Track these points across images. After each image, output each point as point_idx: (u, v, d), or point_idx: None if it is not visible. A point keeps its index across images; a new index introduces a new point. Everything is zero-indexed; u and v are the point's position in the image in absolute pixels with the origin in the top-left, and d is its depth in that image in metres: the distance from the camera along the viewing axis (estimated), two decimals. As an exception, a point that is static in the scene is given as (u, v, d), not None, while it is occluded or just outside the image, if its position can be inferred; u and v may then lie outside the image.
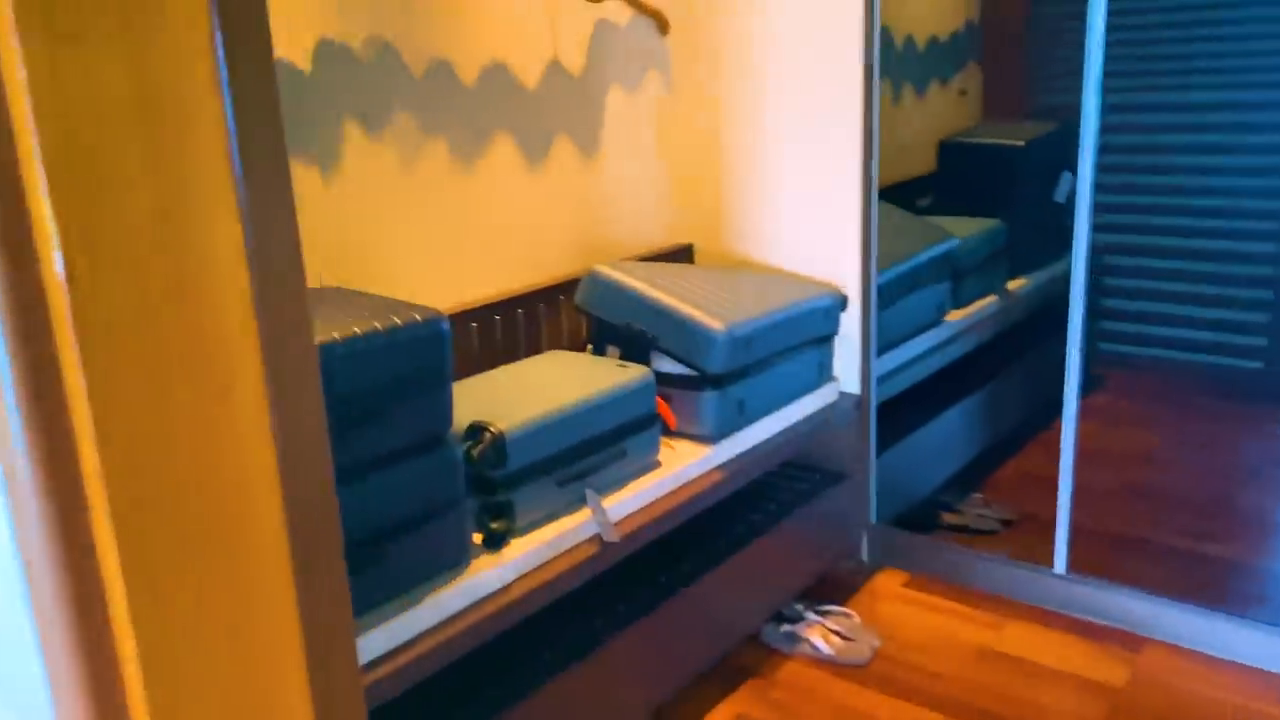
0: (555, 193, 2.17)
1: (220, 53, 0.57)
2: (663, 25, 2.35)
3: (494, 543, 1.57)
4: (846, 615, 2.17)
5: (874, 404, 2.33)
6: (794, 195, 2.30)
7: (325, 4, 1.71)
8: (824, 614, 2.16)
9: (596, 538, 1.67)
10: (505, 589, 1.54)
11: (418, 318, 1.40)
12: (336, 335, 1.32)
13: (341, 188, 1.76)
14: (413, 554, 1.44)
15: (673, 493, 1.84)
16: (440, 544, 1.48)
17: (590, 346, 2.10)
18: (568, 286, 2.15)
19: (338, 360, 1.31)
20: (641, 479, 1.81)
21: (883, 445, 2.41)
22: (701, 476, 1.90)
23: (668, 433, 1.95)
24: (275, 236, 0.61)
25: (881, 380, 2.38)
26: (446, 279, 1.97)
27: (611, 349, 2.05)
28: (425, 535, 1.45)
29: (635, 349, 1.99)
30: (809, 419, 2.17)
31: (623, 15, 2.26)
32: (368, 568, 1.38)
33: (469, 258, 2.00)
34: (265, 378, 0.60)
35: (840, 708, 1.91)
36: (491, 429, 1.57)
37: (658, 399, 1.94)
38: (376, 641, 1.37)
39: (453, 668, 1.53)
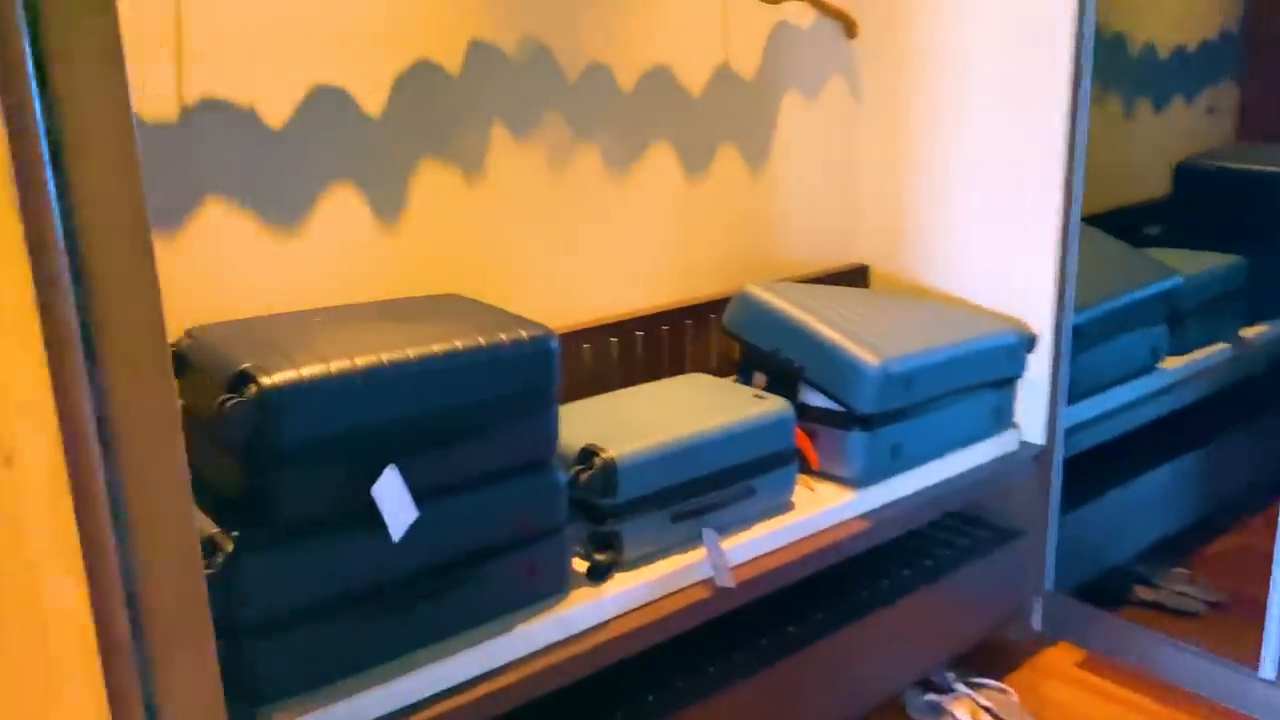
0: (716, 205, 2.05)
1: None
2: (850, 28, 2.18)
3: (597, 575, 1.48)
4: (1003, 691, 1.94)
5: (1059, 456, 2.07)
6: (983, 217, 2.07)
7: (480, 6, 1.67)
8: (977, 687, 1.94)
9: (711, 580, 1.55)
10: (604, 625, 1.45)
11: (525, 335, 1.33)
12: (437, 349, 1.27)
13: (485, 191, 1.72)
14: (507, 579, 1.37)
15: (807, 539, 1.69)
16: (538, 571, 1.40)
17: (738, 373, 1.98)
18: (720, 305, 2.03)
19: (437, 375, 1.26)
20: (771, 520, 1.67)
21: (1072, 502, 2.14)
22: (842, 524, 1.73)
23: (809, 471, 1.80)
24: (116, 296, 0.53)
25: (1076, 430, 2.11)
26: (589, 289, 1.89)
27: (759, 376, 1.92)
28: (522, 561, 1.38)
29: (782, 379, 1.84)
30: (980, 469, 1.95)
31: (805, 17, 2.11)
32: (458, 588, 1.32)
33: (615, 268, 1.92)
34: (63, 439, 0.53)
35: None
36: (603, 455, 1.48)
37: (800, 435, 1.79)
38: (462, 666, 1.31)
39: (544, 705, 1.46)
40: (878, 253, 2.30)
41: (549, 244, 1.82)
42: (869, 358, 1.71)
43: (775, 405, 1.67)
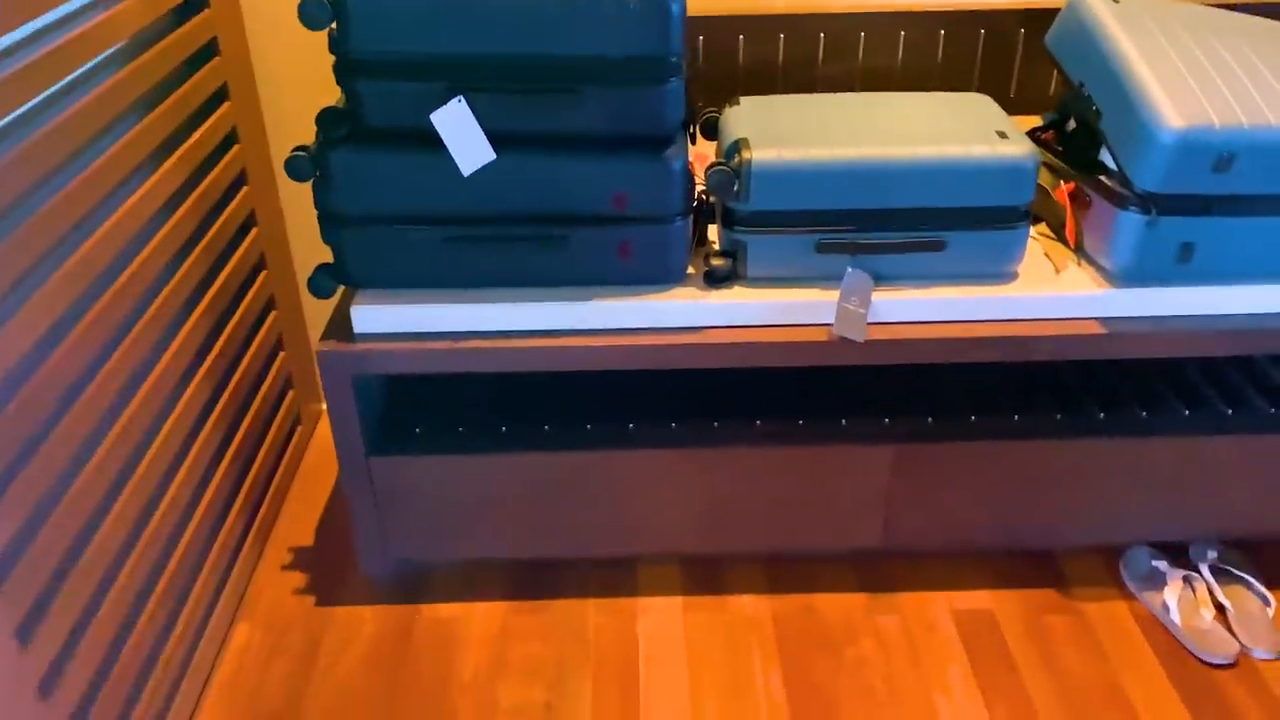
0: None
1: None
2: None
3: (711, 279, 1.38)
4: (1262, 598, 1.48)
5: None
6: None
7: None
8: (1227, 578, 1.50)
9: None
10: (697, 330, 1.36)
11: (637, -9, 1.18)
12: (540, -10, 1.18)
13: None
14: (595, 252, 1.33)
15: (1011, 321, 1.37)
16: (633, 254, 1.34)
17: (1057, 109, 1.54)
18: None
19: (530, 10, 1.19)
20: (975, 287, 1.37)
21: None
22: (1068, 320, 1.36)
23: (1072, 246, 1.41)
24: None
25: None
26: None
27: (1074, 121, 1.49)
28: (617, 239, 1.32)
29: (1083, 125, 1.41)
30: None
31: None
32: (542, 244, 1.33)
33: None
34: None
35: (1113, 691, 1.38)
36: (743, 154, 1.31)
37: (1065, 201, 1.41)
38: (532, 314, 1.35)
39: (615, 384, 1.44)
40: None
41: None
42: (1169, 115, 1.24)
43: (1006, 150, 1.30)
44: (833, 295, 1.35)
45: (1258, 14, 1.51)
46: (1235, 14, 1.46)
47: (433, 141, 1.25)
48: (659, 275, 1.37)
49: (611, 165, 1.28)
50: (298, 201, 1.75)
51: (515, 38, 1.20)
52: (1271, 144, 1.23)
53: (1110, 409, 1.51)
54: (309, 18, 1.18)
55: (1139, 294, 1.36)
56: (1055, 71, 1.62)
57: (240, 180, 1.61)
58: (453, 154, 1.25)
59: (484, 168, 1.26)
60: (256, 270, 1.68)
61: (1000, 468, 1.46)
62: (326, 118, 1.28)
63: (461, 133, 1.24)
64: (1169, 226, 1.31)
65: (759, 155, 1.31)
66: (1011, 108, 1.67)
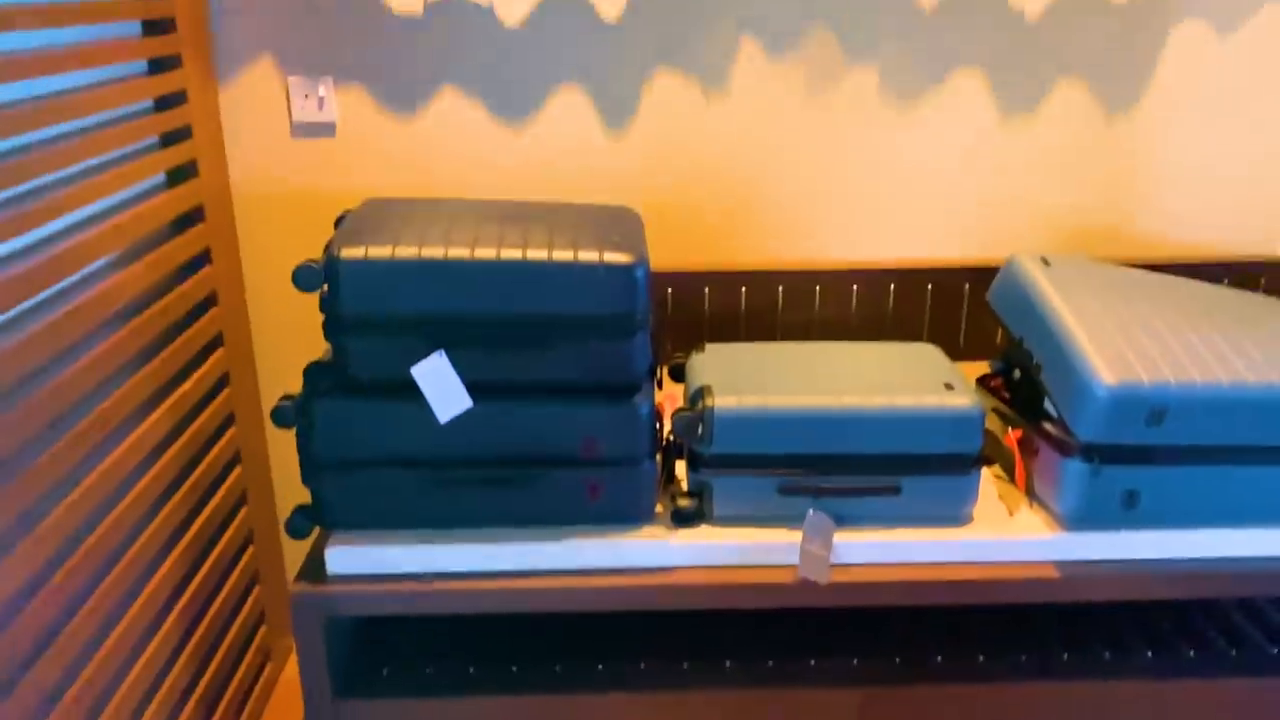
0: (1044, 152, 1.69)
1: None
2: (1315, -63, 1.58)
3: (678, 519, 1.42)
4: None
5: None
6: None
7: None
8: (1209, 831, 1.47)
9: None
10: (667, 570, 1.40)
11: (605, 259, 1.30)
12: (506, 254, 1.29)
13: (725, 107, 1.64)
14: (566, 494, 1.39)
15: (964, 565, 1.41)
16: (601, 495, 1.39)
17: (1001, 359, 1.65)
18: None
19: (501, 279, 1.29)
20: (925, 530, 1.42)
21: None
22: (1023, 564, 1.41)
23: (1024, 490, 1.47)
24: None
25: None
26: (840, 225, 1.72)
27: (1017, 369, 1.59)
28: (586, 481, 1.38)
29: (1026, 376, 1.51)
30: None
31: (1234, -79, 1.58)
32: (514, 486, 1.38)
33: (874, 207, 1.71)
34: None
35: None
36: (708, 400, 1.39)
37: (1014, 447, 1.48)
38: (504, 555, 1.38)
39: (588, 627, 1.46)
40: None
41: (794, 171, 1.68)
42: (1102, 372, 1.33)
43: (953, 401, 1.39)
44: (797, 536, 1.40)
45: (1173, 273, 1.65)
46: (1155, 274, 1.59)
47: (413, 391, 1.32)
48: (628, 515, 1.42)
49: (582, 411, 1.36)
50: (282, 440, 1.82)
51: (494, 298, 1.31)
52: (1198, 400, 1.32)
53: (1075, 649, 1.53)
54: (304, 281, 1.28)
55: (1089, 538, 1.41)
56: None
57: (229, 421, 1.69)
58: (431, 403, 1.33)
59: (460, 415, 1.34)
60: (238, 506, 1.72)
61: (969, 712, 1.46)
62: (313, 371, 1.36)
63: (440, 383, 1.32)
64: (1112, 474, 1.38)
65: (721, 402, 1.39)
66: (961, 355, 1.78)
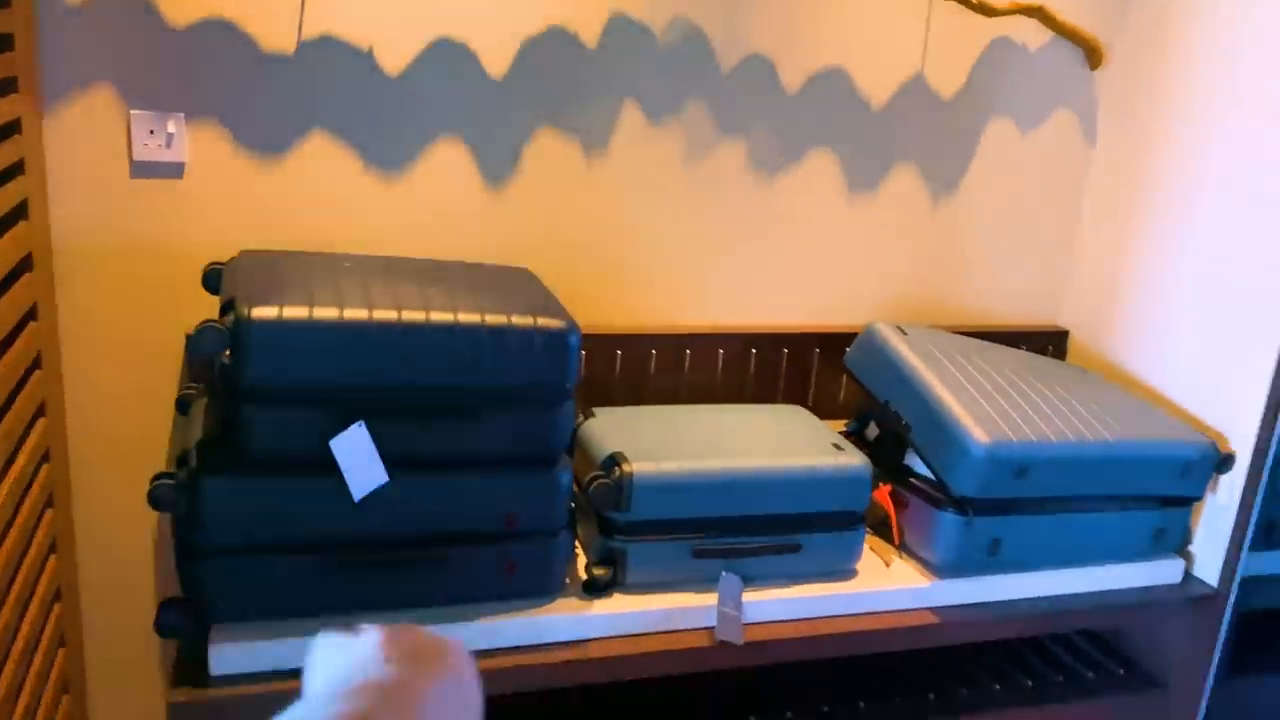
0: (881, 229, 1.85)
1: None
2: (1094, 57, 1.87)
3: (591, 589, 1.39)
4: None
5: (1231, 605, 1.68)
6: (1206, 306, 1.71)
7: (634, -23, 1.59)
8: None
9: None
10: (583, 643, 1.36)
11: (539, 324, 1.26)
12: (434, 318, 1.21)
13: (606, 173, 1.65)
14: (482, 570, 1.31)
15: (855, 616, 1.48)
16: (519, 570, 1.33)
17: (856, 419, 1.78)
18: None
19: (427, 345, 1.21)
20: (822, 585, 1.48)
21: (1241, 667, 1.75)
22: (905, 612, 1.51)
23: (896, 544, 1.58)
24: None
25: (1267, 583, 1.71)
26: (706, 291, 1.77)
27: (873, 427, 1.71)
28: (504, 556, 1.32)
29: (891, 436, 1.63)
30: (1120, 595, 1.62)
31: (1035, 36, 1.83)
32: (428, 566, 1.28)
33: (739, 275, 1.78)
34: None
35: None
36: (623, 467, 1.38)
37: (887, 504, 1.59)
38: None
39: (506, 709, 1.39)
40: (1082, 320, 1.98)
41: (668, 238, 1.72)
42: (977, 433, 1.47)
43: (850, 462, 1.47)
44: (708, 598, 1.41)
45: (987, 340, 1.85)
46: (984, 341, 1.78)
47: (320, 467, 1.20)
48: (543, 588, 1.36)
49: (504, 483, 1.30)
50: (97, 520, 1.57)
51: (419, 364, 1.22)
52: (1055, 455, 1.49)
53: (938, 691, 1.65)
54: (209, 344, 1.13)
55: (959, 584, 1.54)
56: (845, 382, 1.86)
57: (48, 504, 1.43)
58: (347, 479, 1.21)
59: (374, 491, 1.23)
60: (53, 602, 1.46)
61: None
62: (202, 447, 1.20)
63: (357, 457, 1.21)
64: (982, 525, 1.51)
65: (639, 468, 1.38)
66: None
